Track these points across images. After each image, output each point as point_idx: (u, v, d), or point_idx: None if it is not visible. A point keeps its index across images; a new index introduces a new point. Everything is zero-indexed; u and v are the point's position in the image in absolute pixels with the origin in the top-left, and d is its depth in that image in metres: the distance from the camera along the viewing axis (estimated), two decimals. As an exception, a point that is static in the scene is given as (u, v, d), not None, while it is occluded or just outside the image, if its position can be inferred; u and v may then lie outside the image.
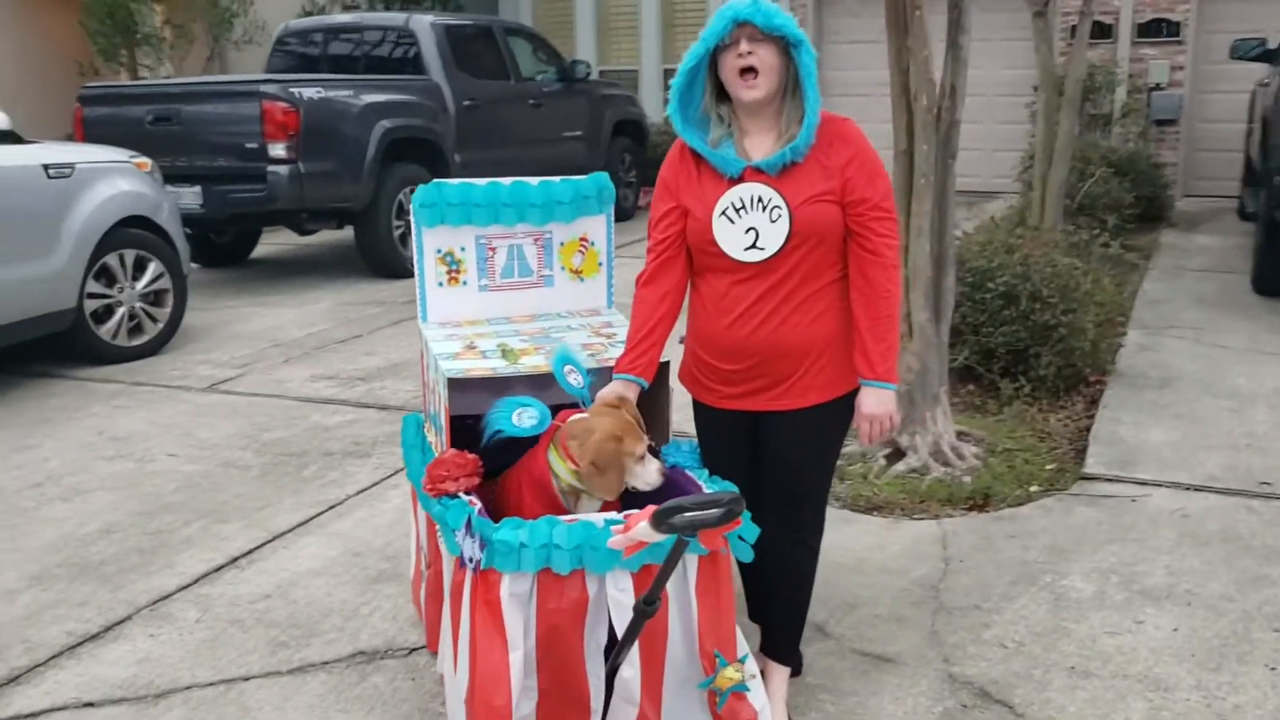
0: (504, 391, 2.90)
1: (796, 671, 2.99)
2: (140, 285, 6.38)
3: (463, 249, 3.15)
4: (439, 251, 3.14)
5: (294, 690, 3.02)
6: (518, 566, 2.43)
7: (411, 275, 3.39)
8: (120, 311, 6.28)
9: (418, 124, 8.66)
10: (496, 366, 2.85)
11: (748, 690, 2.65)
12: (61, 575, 3.73)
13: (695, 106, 2.64)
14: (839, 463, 4.37)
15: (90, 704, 2.99)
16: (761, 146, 2.60)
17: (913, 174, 4.36)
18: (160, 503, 4.35)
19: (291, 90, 7.80)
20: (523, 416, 2.77)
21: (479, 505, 2.63)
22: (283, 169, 7.68)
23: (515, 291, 3.22)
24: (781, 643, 2.87)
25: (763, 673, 2.81)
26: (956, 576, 3.57)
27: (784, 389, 2.66)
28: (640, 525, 2.29)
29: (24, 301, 5.72)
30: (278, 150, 7.69)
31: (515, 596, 2.47)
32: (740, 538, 2.61)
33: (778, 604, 2.85)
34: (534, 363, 2.87)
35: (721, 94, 2.62)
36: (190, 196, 7.84)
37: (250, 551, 3.87)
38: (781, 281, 2.60)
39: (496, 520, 2.54)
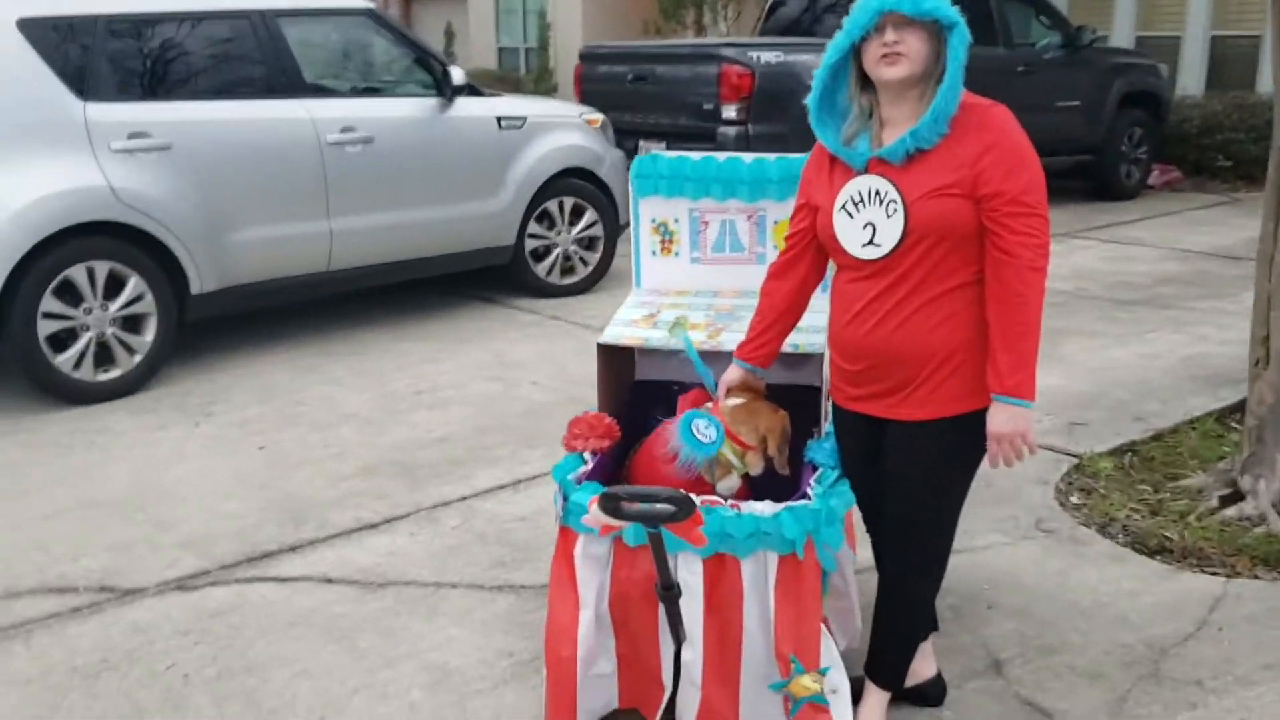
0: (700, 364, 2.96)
1: (932, 700, 2.80)
2: (574, 231, 7.06)
3: (676, 220, 3.24)
4: (654, 221, 3.25)
5: (482, 604, 3.34)
6: (592, 529, 2.54)
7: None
8: (555, 252, 7.02)
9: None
10: (650, 338, 2.93)
11: (825, 704, 2.55)
12: (384, 471, 4.37)
13: (840, 100, 2.51)
14: (1161, 498, 3.91)
15: (329, 580, 3.53)
16: (895, 136, 2.42)
17: (1286, 171, 3.69)
18: (499, 423, 4.89)
19: (750, 54, 8.09)
20: (700, 430, 2.81)
21: (591, 465, 2.76)
22: (731, 130, 8.02)
23: (726, 266, 3.25)
24: (879, 662, 2.69)
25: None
26: (1200, 645, 3.06)
27: (902, 397, 2.48)
28: (593, 508, 2.30)
29: (473, 235, 6.60)
30: (730, 112, 8.04)
31: (590, 558, 2.57)
32: (826, 546, 2.51)
33: (879, 622, 2.68)
34: (695, 338, 2.91)
35: (867, 82, 2.46)
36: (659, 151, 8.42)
37: (535, 477, 4.27)
38: (900, 280, 2.41)
39: None
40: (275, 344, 6.07)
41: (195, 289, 5.47)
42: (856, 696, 2.65)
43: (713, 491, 2.72)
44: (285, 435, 4.76)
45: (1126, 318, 6.46)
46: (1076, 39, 9.84)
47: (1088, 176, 10.56)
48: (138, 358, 5.29)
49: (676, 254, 3.26)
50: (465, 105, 6.47)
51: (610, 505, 2.28)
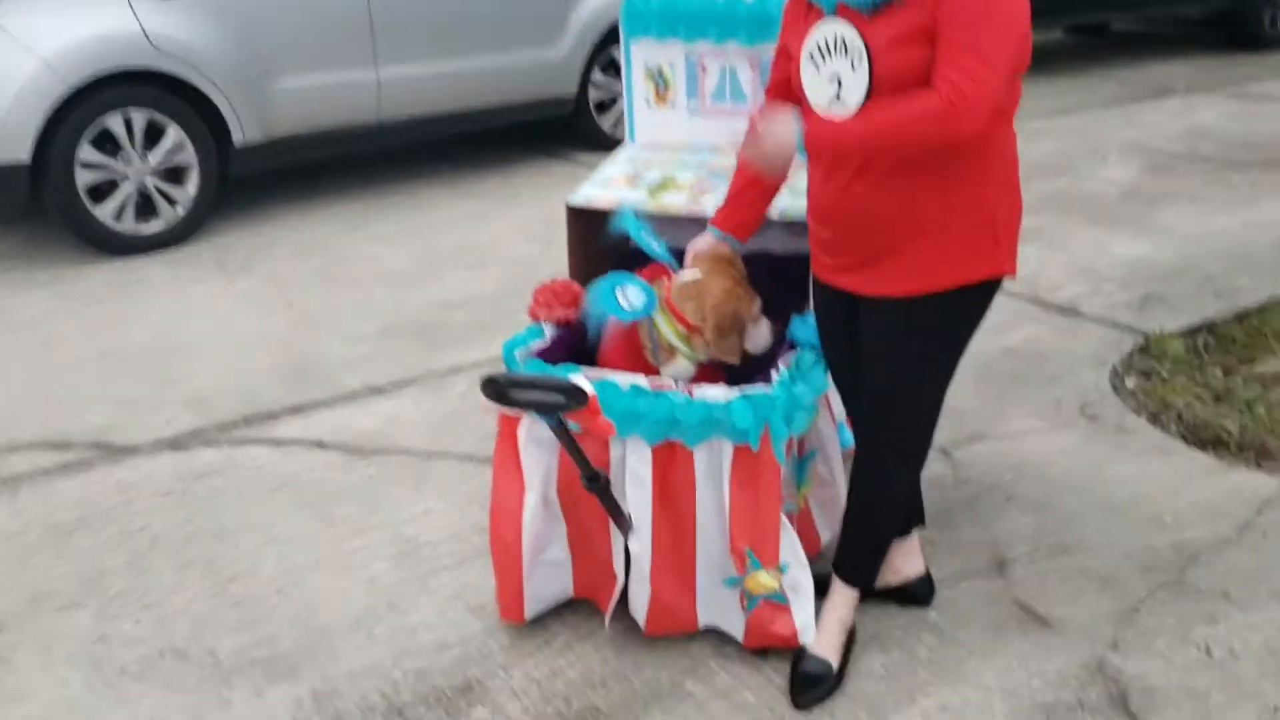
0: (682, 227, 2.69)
1: (919, 600, 2.58)
2: (643, 80, 6.71)
3: (671, 66, 2.92)
4: (647, 67, 2.95)
5: (468, 477, 3.20)
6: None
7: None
8: (620, 103, 6.69)
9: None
10: (624, 198, 2.66)
11: (784, 601, 2.34)
12: (405, 333, 4.24)
13: None
14: (1230, 384, 3.54)
15: (321, 444, 3.43)
16: None
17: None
18: (528, 283, 4.68)
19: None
20: (628, 295, 2.57)
21: (549, 339, 2.55)
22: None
23: (727, 118, 2.93)
24: (846, 558, 2.45)
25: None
26: (1236, 552, 2.74)
27: (876, 269, 2.18)
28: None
29: (531, 84, 6.32)
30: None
31: (535, 441, 2.38)
32: (788, 437, 2.27)
33: (848, 517, 2.44)
34: (672, 201, 2.65)
35: None
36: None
37: (555, 344, 4.08)
38: None
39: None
40: (325, 200, 5.95)
41: (237, 140, 5.35)
42: (824, 594, 2.44)
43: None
44: (317, 294, 4.66)
45: (1239, 181, 5.88)
46: None
47: (1225, 26, 9.65)
48: (180, 210, 5.23)
49: (673, 104, 2.96)
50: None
51: (493, 390, 2.07)
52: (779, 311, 2.56)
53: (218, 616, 2.63)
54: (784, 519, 2.32)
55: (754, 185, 2.40)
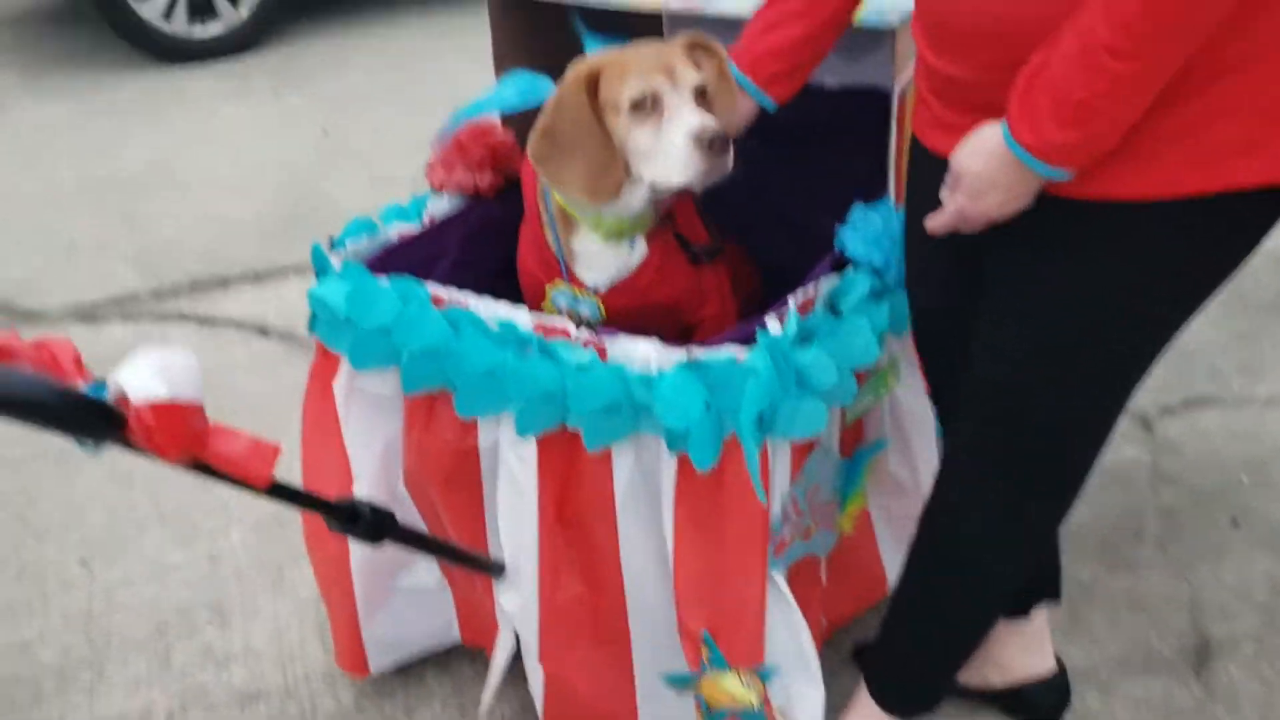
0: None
1: (1041, 713, 1.48)
2: None
3: None
4: None
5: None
6: (364, 363, 1.33)
7: None
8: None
9: None
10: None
11: (765, 729, 1.30)
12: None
13: None
14: None
15: (262, 330, 2.54)
16: None
17: None
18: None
19: None
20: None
21: (435, 220, 1.52)
22: None
23: None
24: (884, 663, 1.38)
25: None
26: None
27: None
28: None
29: None
30: None
31: (362, 396, 1.39)
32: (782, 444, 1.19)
33: (900, 591, 1.35)
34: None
35: None
36: None
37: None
38: None
39: None
40: (423, 3, 4.94)
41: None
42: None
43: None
44: (368, 120, 3.73)
45: None
46: None
47: None
48: (244, 9, 4.37)
49: None
50: None
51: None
52: (828, 197, 1.44)
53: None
54: (777, 582, 1.27)
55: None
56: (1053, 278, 1.09)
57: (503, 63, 1.73)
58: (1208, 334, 2.29)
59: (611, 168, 1.28)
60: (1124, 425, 2.04)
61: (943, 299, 1.29)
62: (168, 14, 4.24)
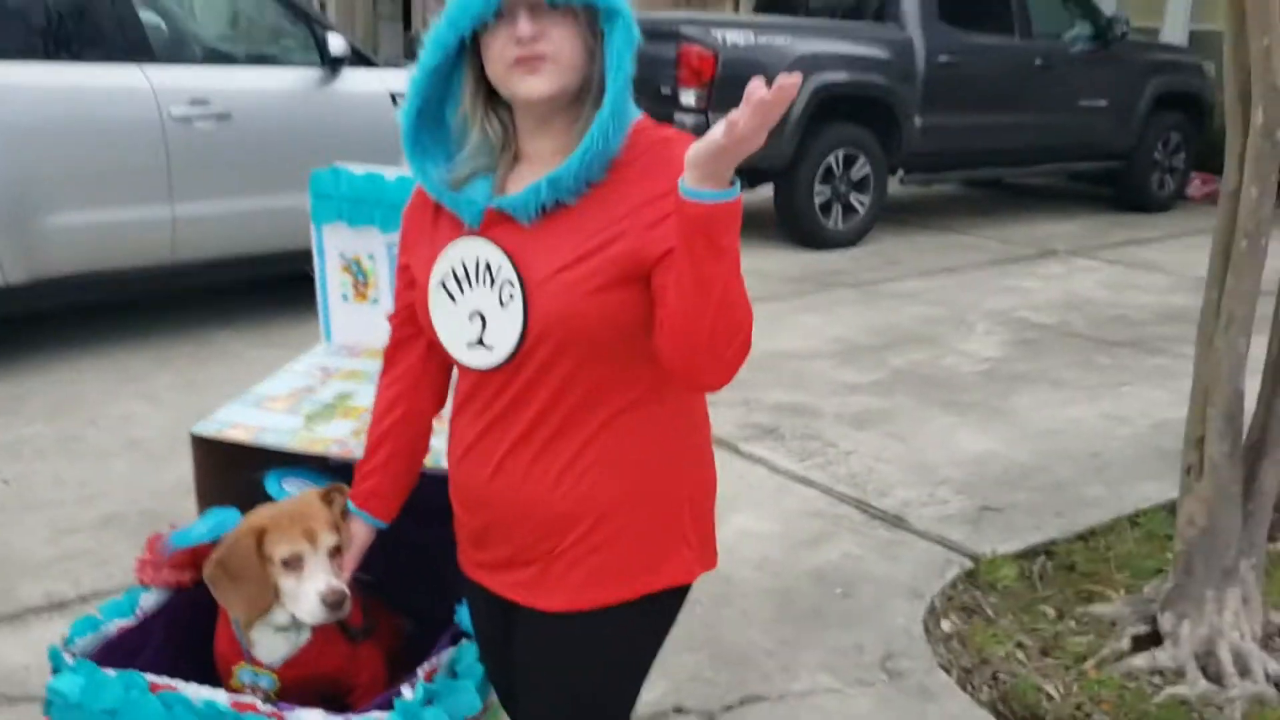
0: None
1: None
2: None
3: (370, 258, 2.42)
4: (343, 257, 2.44)
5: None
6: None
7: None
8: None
9: (867, 80, 7.63)
10: (268, 429, 2.12)
11: None
12: (125, 525, 3.62)
13: (450, 117, 1.65)
14: (1059, 629, 3.06)
15: None
16: (529, 180, 1.57)
17: (1234, 231, 2.77)
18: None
19: (713, 33, 7.17)
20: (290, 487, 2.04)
21: (139, 617, 1.97)
22: (689, 118, 7.12)
23: (436, 323, 2.42)
24: None
25: None
26: None
27: (534, 573, 1.65)
28: None
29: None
30: (688, 98, 7.15)
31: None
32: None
33: None
34: (331, 433, 2.10)
35: (494, 96, 1.61)
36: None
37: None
38: (525, 401, 1.58)
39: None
40: (100, 347, 5.30)
41: (-1, 280, 4.76)
42: None
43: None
44: (48, 465, 4.03)
45: (1106, 364, 5.51)
46: (1107, 31, 8.79)
47: (1115, 185, 9.52)
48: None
49: (374, 300, 2.45)
50: (352, 78, 5.67)
51: None
52: (439, 587, 2.01)
53: None
54: None
55: (382, 444, 1.83)
56: (547, 667, 1.66)
57: (205, 497, 2.20)
58: (760, 637, 3.00)
59: (263, 599, 1.81)
60: (696, 722, 2.67)
61: (501, 673, 1.81)
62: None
